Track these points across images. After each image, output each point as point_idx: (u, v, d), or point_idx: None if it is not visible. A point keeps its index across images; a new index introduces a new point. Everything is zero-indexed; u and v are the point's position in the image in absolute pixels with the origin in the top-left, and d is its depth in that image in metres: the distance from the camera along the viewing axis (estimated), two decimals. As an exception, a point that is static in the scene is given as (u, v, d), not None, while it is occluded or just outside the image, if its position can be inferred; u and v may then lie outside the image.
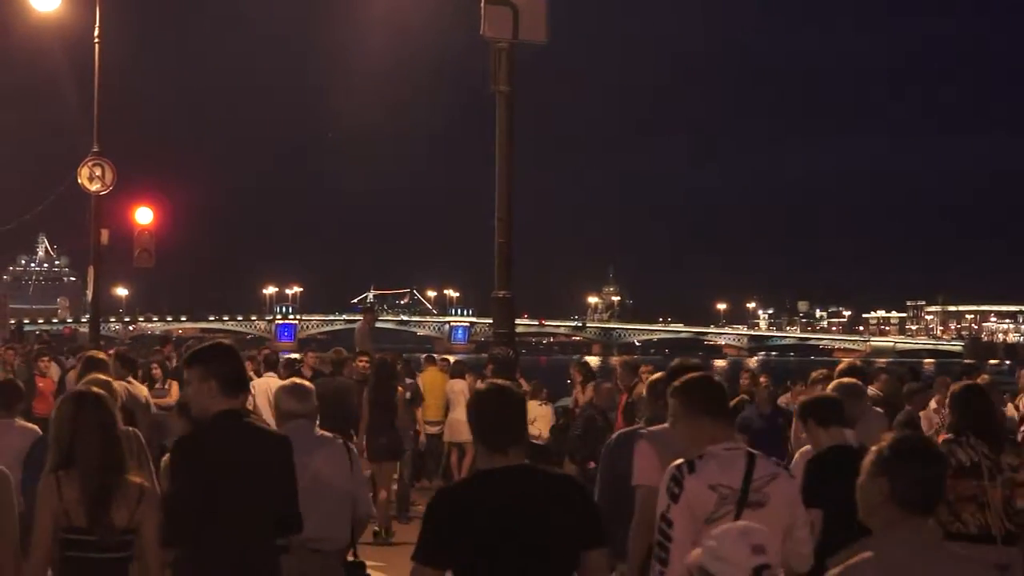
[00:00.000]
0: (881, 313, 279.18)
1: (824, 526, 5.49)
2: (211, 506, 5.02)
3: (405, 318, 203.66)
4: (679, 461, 4.95)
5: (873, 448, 3.76)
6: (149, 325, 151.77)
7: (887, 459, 3.67)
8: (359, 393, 13.13)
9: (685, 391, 5.06)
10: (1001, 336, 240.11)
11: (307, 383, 7.07)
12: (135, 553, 5.15)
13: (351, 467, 6.61)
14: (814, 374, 10.18)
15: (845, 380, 7.52)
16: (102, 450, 5.18)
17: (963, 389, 7.09)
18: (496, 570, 4.26)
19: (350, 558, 6.49)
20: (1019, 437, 11.05)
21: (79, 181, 24.47)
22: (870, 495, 3.66)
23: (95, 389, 5.67)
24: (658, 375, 6.64)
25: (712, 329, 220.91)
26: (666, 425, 5.30)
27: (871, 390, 10.11)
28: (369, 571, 6.60)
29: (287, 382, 7.24)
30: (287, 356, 21.85)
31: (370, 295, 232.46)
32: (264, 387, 13.83)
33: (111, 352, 13.25)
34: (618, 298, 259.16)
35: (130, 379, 11.05)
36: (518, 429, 4.45)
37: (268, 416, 13.09)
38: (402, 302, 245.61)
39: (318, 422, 6.90)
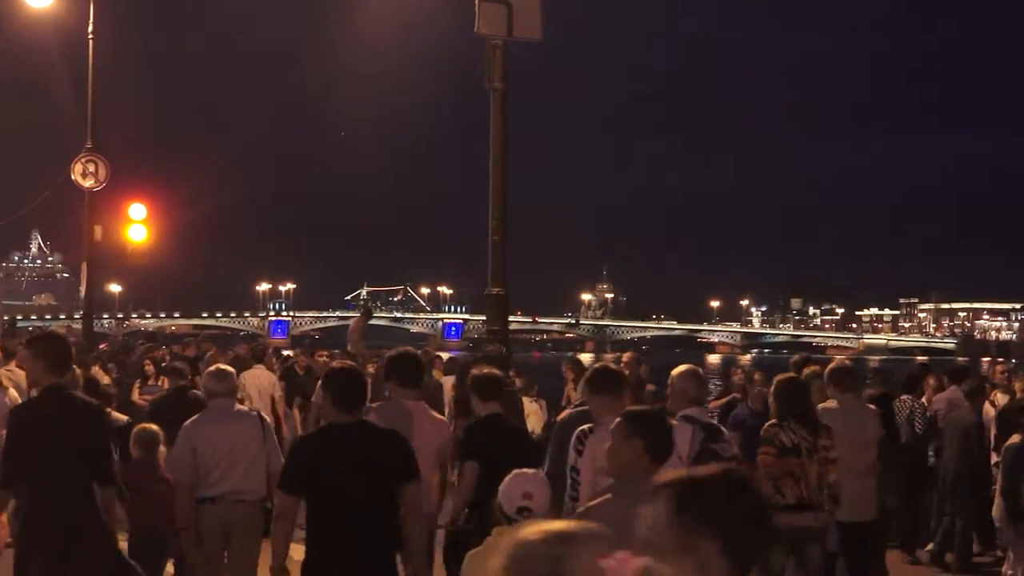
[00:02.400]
0: (874, 311, 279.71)
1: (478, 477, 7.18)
2: (34, 461, 6.59)
3: (399, 315, 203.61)
4: (584, 426, 6.74)
5: (619, 418, 5.06)
6: (142, 322, 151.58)
7: (639, 424, 4.92)
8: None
9: (592, 377, 6.97)
10: (994, 334, 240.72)
11: (227, 367, 8.61)
12: None
13: (263, 434, 7.99)
14: (806, 371, 10.25)
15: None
16: None
17: (786, 381, 8.29)
18: (338, 496, 5.94)
19: (268, 506, 7.55)
20: (992, 432, 11.16)
21: (72, 177, 24.42)
22: (624, 453, 4.87)
23: None
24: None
25: (705, 326, 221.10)
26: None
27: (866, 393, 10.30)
28: None
29: (212, 368, 8.70)
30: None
31: (363, 292, 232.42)
32: (253, 378, 14.48)
33: None
34: (612, 295, 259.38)
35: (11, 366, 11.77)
36: (361, 396, 6.30)
37: (259, 404, 13.40)
38: (396, 299, 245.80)
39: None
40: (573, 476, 6.58)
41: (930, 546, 12.17)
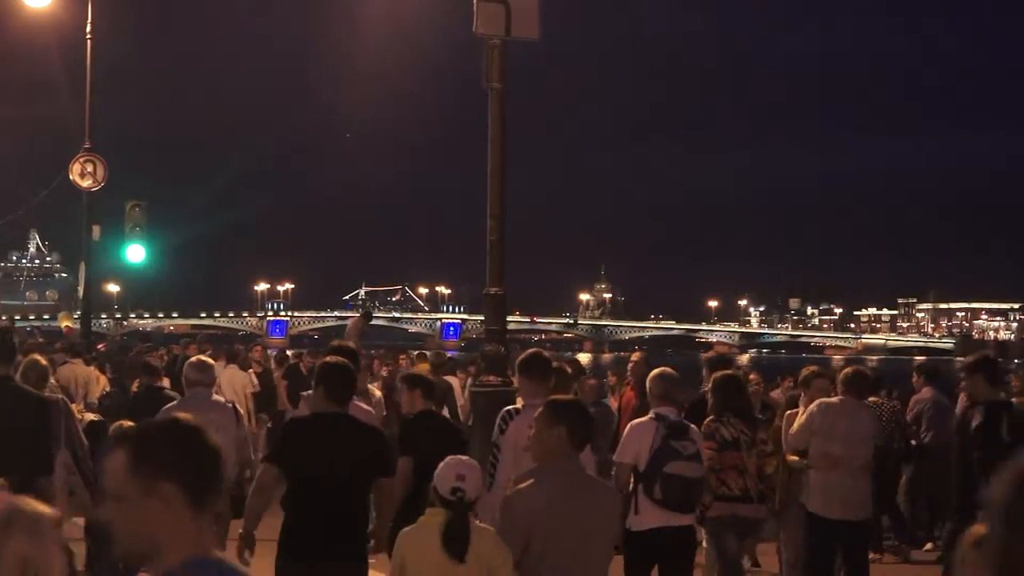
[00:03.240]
0: (872, 311, 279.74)
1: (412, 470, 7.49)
2: None
3: (397, 315, 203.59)
4: (508, 407, 7.46)
5: (541, 409, 5.53)
6: (140, 322, 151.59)
7: (562, 414, 5.41)
8: None
9: (522, 362, 7.50)
10: (992, 334, 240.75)
11: (208, 360, 9.35)
12: None
13: (236, 424, 8.62)
14: (805, 371, 10.25)
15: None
16: None
17: (723, 378, 8.53)
18: (320, 480, 6.33)
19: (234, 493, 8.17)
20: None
21: (71, 177, 24.41)
22: (548, 439, 5.37)
23: None
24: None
25: (704, 326, 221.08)
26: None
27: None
28: None
29: (194, 359, 9.32)
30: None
31: (362, 292, 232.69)
32: (228, 378, 16.34)
33: None
34: (610, 295, 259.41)
35: None
36: (349, 391, 6.69)
37: (233, 397, 13.92)
38: (394, 299, 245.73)
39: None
40: (494, 452, 7.24)
41: (928, 545, 12.18)
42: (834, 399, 9.05)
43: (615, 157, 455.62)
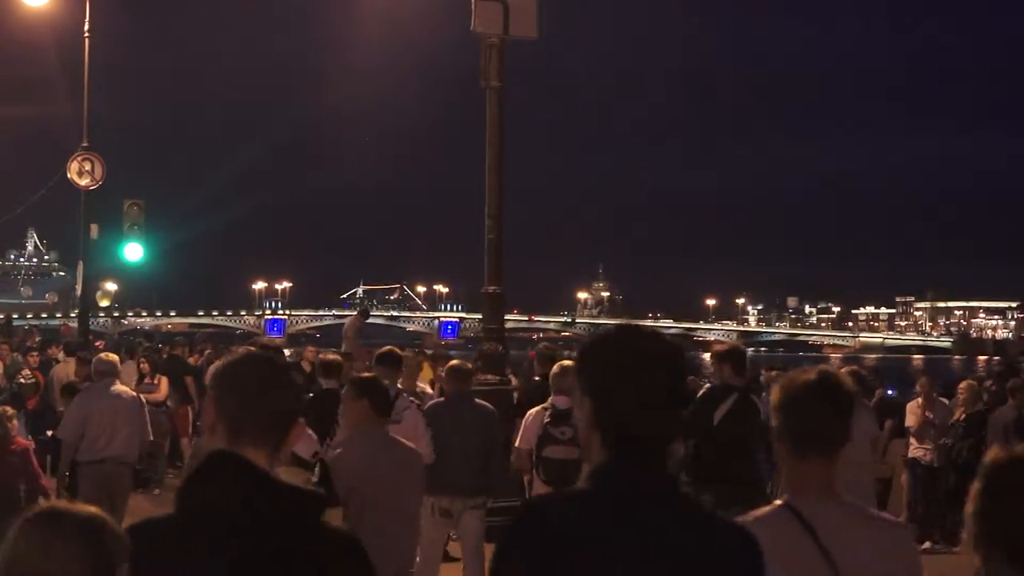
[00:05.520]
0: (870, 309, 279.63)
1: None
2: None
3: (395, 313, 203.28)
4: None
5: (348, 384, 6.80)
6: (138, 320, 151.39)
7: (363, 388, 6.38)
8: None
9: (378, 356, 9.11)
10: (990, 332, 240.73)
11: (113, 355, 11.06)
12: None
13: (140, 410, 10.26)
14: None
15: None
16: None
17: None
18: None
19: (138, 467, 9.96)
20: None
21: (69, 176, 24.39)
22: (355, 410, 6.32)
23: None
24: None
25: (702, 325, 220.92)
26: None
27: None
28: None
29: (101, 354, 11.16)
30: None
31: (360, 290, 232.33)
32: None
33: None
34: (608, 294, 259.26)
35: None
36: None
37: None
38: (392, 297, 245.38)
39: None
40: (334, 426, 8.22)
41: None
42: None
43: (615, 157, 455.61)
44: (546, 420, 8.53)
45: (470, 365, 9.91)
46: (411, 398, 9.11)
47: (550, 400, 8.69)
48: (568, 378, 8.48)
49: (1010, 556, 2.74)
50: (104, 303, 67.87)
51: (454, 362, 9.80)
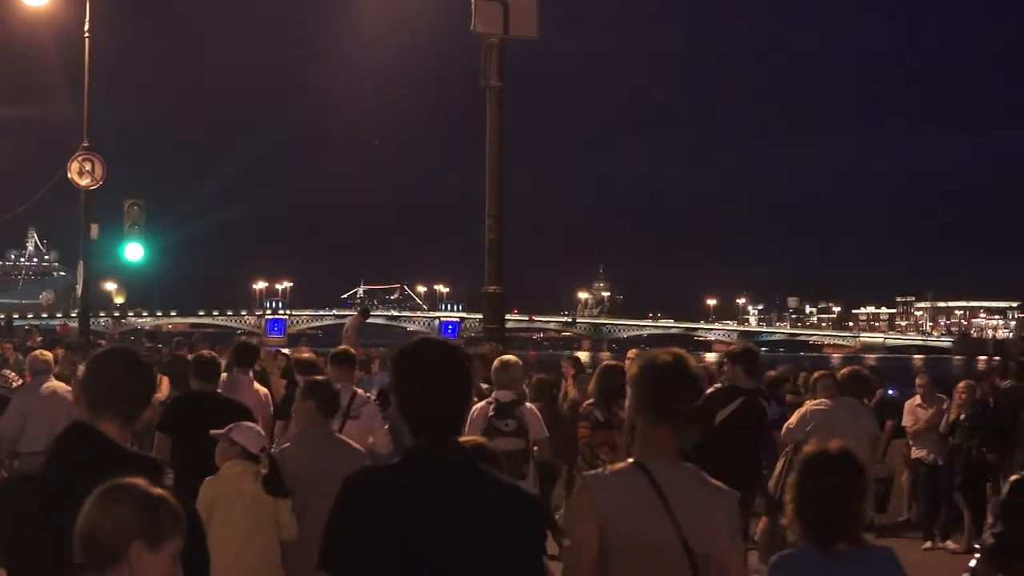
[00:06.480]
0: (871, 309, 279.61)
1: (177, 449, 7.95)
2: None
3: (395, 313, 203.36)
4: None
5: (300, 386, 7.19)
6: (139, 320, 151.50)
7: (311, 389, 6.85)
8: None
9: (332, 356, 9.62)
10: (990, 332, 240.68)
11: (48, 353, 11.67)
12: None
13: (68, 405, 10.08)
14: (816, 374, 10.35)
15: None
16: None
17: (606, 367, 9.05)
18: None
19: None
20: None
21: (69, 176, 24.39)
22: (303, 410, 6.79)
23: None
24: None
25: (702, 325, 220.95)
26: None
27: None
28: None
29: (37, 351, 11.75)
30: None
31: (360, 290, 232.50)
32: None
33: None
34: (608, 294, 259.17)
35: None
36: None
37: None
38: (392, 297, 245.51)
39: None
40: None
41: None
42: (825, 402, 9.16)
43: (614, 157, 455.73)
44: (490, 414, 8.87)
45: None
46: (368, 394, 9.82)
47: (493, 395, 9.07)
48: (509, 373, 9.14)
49: (815, 532, 3.78)
50: (119, 300, 68.07)
51: None
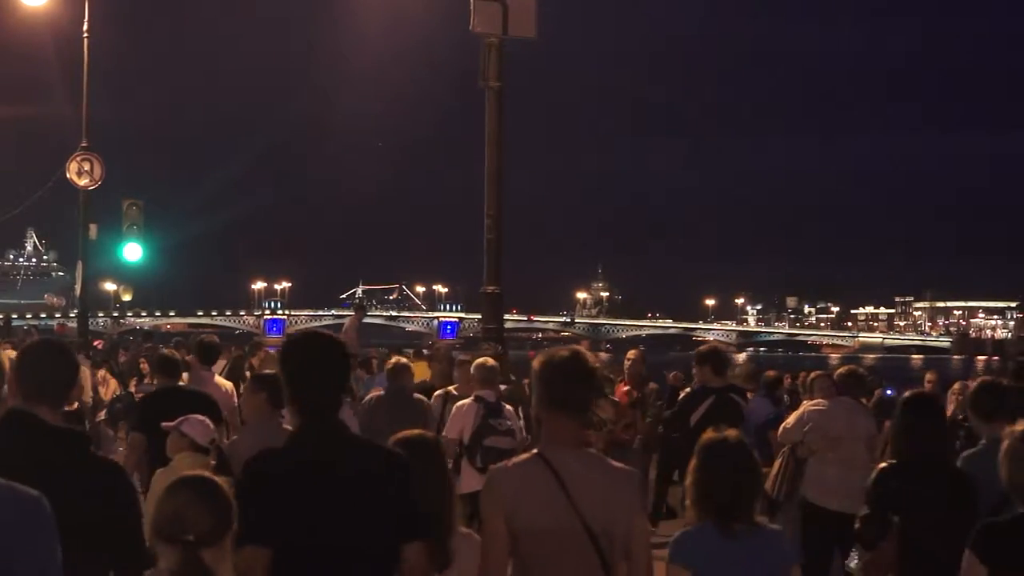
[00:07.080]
0: (870, 309, 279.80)
1: (151, 446, 7.66)
2: None
3: (394, 313, 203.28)
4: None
5: (249, 380, 7.36)
6: (138, 320, 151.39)
7: (262, 382, 7.06)
8: None
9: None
10: (989, 332, 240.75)
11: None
12: None
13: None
14: (812, 375, 10.36)
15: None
16: None
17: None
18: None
19: None
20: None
21: (68, 176, 24.40)
22: (252, 403, 7.08)
23: None
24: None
25: (701, 325, 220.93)
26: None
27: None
28: None
29: None
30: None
31: (359, 290, 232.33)
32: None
33: None
34: (607, 294, 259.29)
35: None
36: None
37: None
38: (391, 297, 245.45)
39: None
40: None
41: None
42: (823, 403, 9.19)
43: (614, 157, 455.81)
44: (482, 412, 8.93)
45: (405, 361, 10.20)
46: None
47: (475, 393, 9.09)
48: (489, 372, 9.20)
49: (714, 512, 4.17)
50: (127, 297, 68.37)
51: (395, 359, 10.28)
